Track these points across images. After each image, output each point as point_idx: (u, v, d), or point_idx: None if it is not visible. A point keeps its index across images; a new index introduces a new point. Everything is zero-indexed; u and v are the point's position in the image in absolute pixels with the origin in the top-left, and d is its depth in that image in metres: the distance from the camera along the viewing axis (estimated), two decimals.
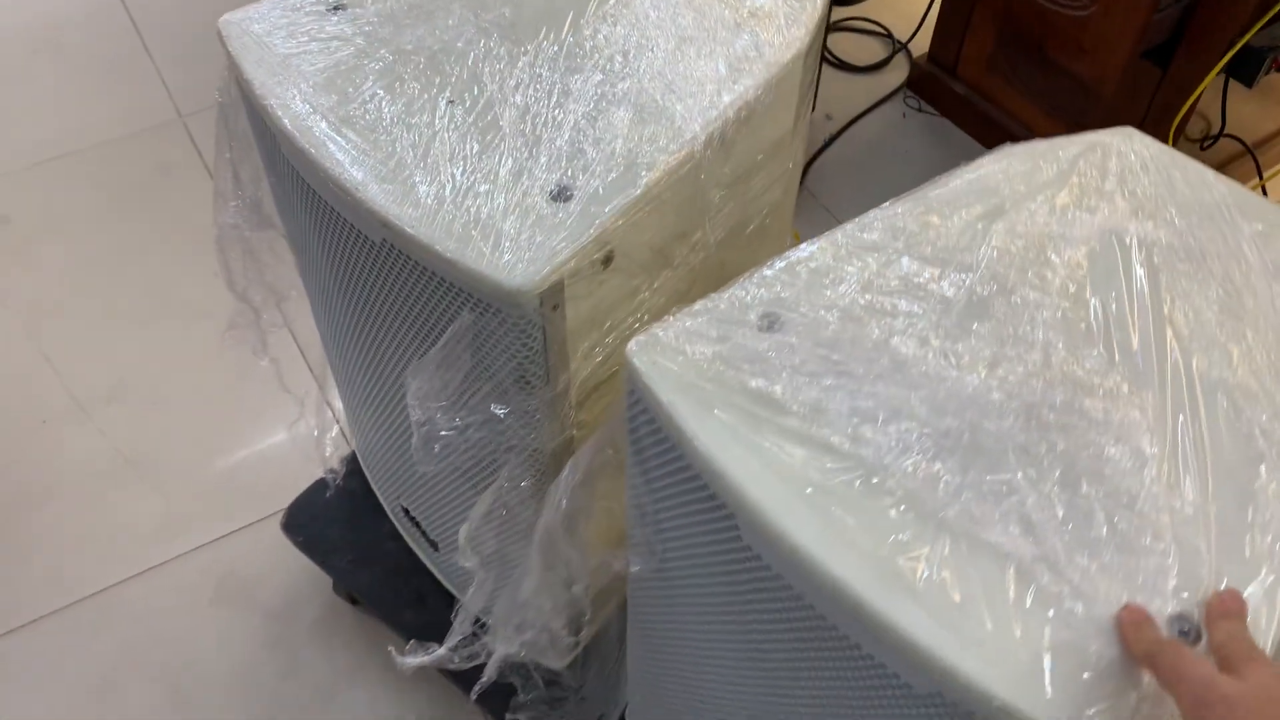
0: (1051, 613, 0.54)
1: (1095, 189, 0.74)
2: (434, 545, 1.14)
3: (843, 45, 2.13)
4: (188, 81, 1.99)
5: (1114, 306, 0.67)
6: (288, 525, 1.26)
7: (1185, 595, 0.55)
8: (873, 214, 0.72)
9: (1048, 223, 0.72)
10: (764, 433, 0.61)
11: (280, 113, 0.78)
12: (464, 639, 0.92)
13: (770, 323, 0.66)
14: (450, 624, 0.92)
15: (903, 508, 0.58)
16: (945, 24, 1.95)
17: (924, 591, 0.55)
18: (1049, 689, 0.52)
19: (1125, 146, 0.77)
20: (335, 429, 1.28)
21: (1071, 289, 0.68)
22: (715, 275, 0.85)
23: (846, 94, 2.01)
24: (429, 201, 0.73)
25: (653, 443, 0.67)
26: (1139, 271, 0.69)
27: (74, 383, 1.53)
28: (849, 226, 0.72)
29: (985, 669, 0.52)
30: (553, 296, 0.71)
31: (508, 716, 1.09)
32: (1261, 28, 1.48)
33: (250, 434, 1.47)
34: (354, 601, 1.31)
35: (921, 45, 2.06)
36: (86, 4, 2.13)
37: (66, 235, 1.72)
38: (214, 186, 0.93)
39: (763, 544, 0.60)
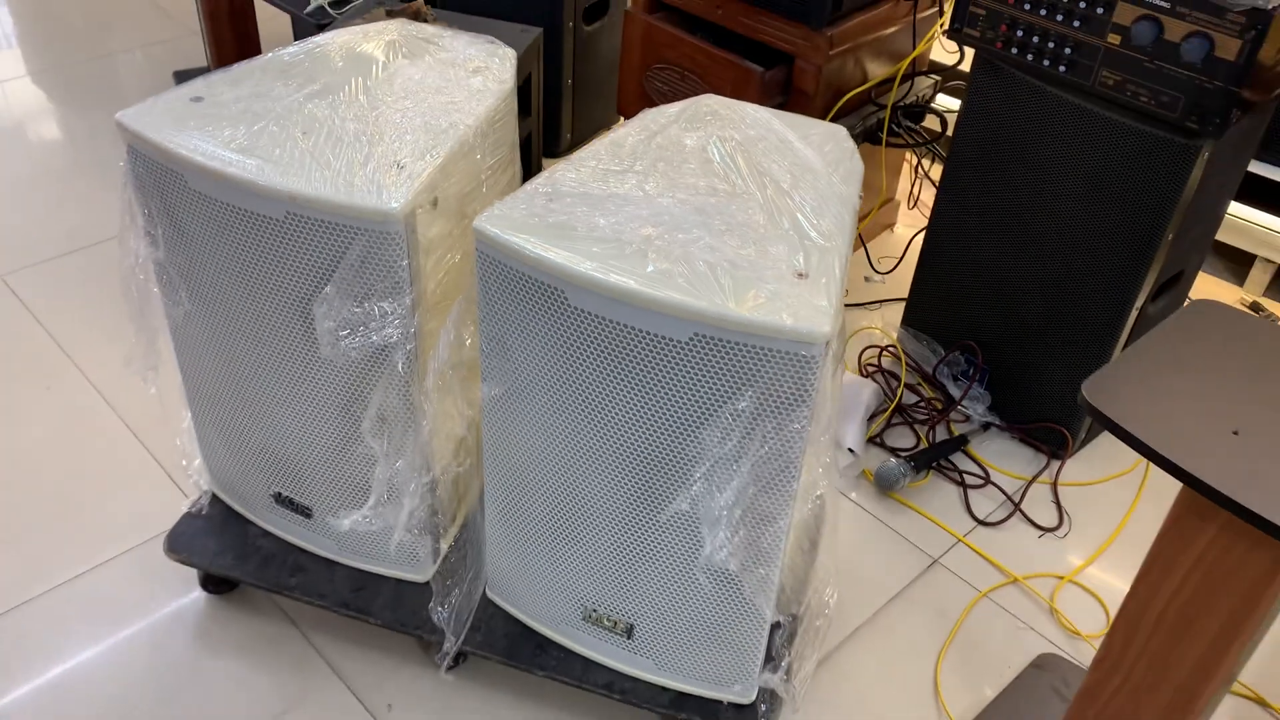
0: (738, 284, 1.05)
1: (704, 119, 1.31)
2: (307, 513, 1.46)
3: None
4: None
5: (721, 159, 1.22)
6: (171, 548, 1.51)
7: (797, 258, 1.08)
8: (587, 149, 1.24)
9: (680, 135, 1.27)
10: (568, 240, 1.08)
11: (188, 152, 1.17)
12: (368, 513, 1.28)
13: (549, 196, 1.15)
14: (332, 584, 1.27)
15: (645, 252, 1.07)
16: None
17: (677, 284, 1.04)
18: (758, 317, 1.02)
19: (714, 103, 1.35)
20: (198, 460, 1.55)
21: (696, 159, 1.23)
22: None
23: None
24: (320, 180, 1.15)
25: (497, 276, 1.12)
26: (725, 150, 1.25)
27: None
28: (580, 154, 1.23)
29: (726, 312, 1.02)
30: (410, 220, 1.15)
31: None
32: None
33: (106, 484, 1.68)
34: (218, 591, 1.57)
35: None
36: None
37: None
38: (119, 243, 1.27)
39: (584, 297, 1.06)
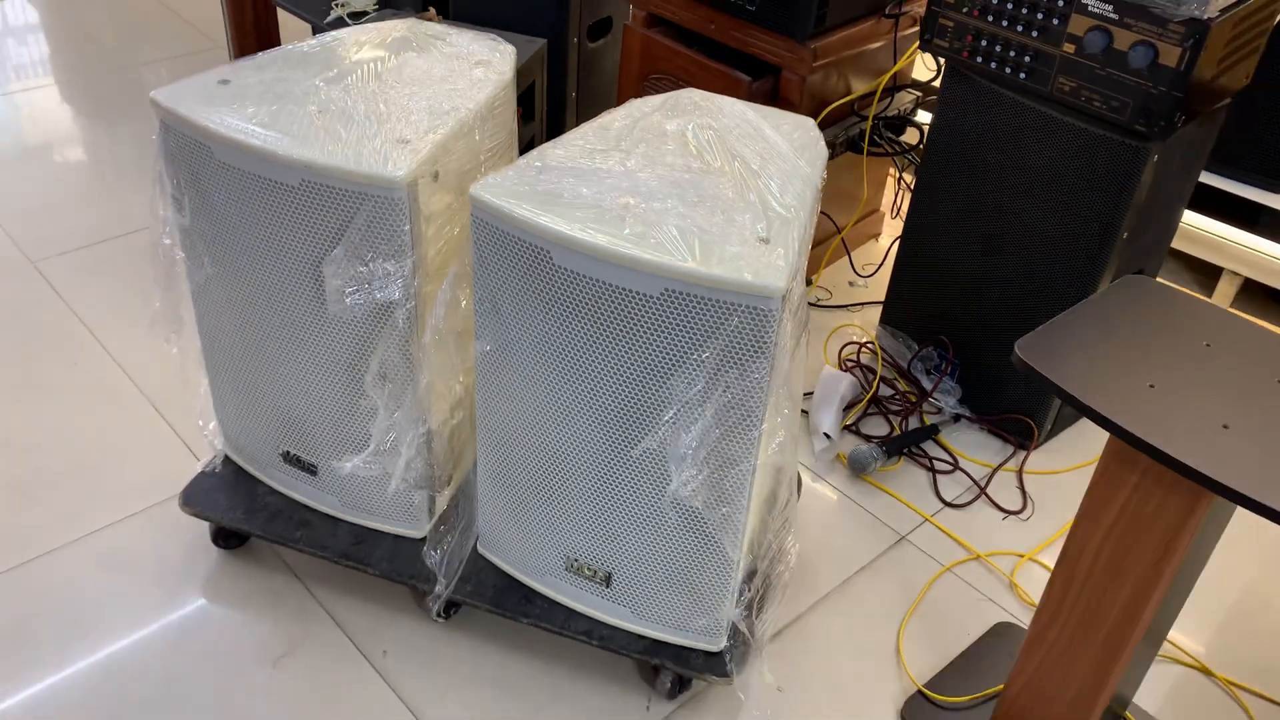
0: (705, 246, 1.17)
1: (686, 109, 1.43)
2: (313, 470, 1.58)
3: None
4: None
5: (697, 142, 1.34)
6: (186, 502, 1.62)
7: (760, 226, 1.20)
8: (575, 131, 1.37)
9: (661, 122, 1.39)
10: (554, 206, 1.20)
11: (216, 126, 1.30)
12: (370, 456, 1.39)
13: (539, 169, 1.27)
14: (334, 537, 1.39)
15: (624, 217, 1.19)
16: None
17: (650, 245, 1.16)
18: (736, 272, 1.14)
19: (695, 95, 1.48)
20: (213, 422, 1.67)
21: (674, 141, 1.35)
22: None
23: None
24: (332, 151, 1.27)
25: (490, 238, 1.23)
26: (702, 135, 1.37)
27: None
28: (570, 135, 1.35)
29: (693, 269, 1.14)
30: (413, 189, 1.27)
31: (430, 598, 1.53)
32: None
33: (126, 450, 1.79)
34: (228, 546, 1.68)
35: None
36: None
37: None
38: (149, 212, 1.40)
39: (568, 256, 1.18)
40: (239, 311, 1.46)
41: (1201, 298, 1.30)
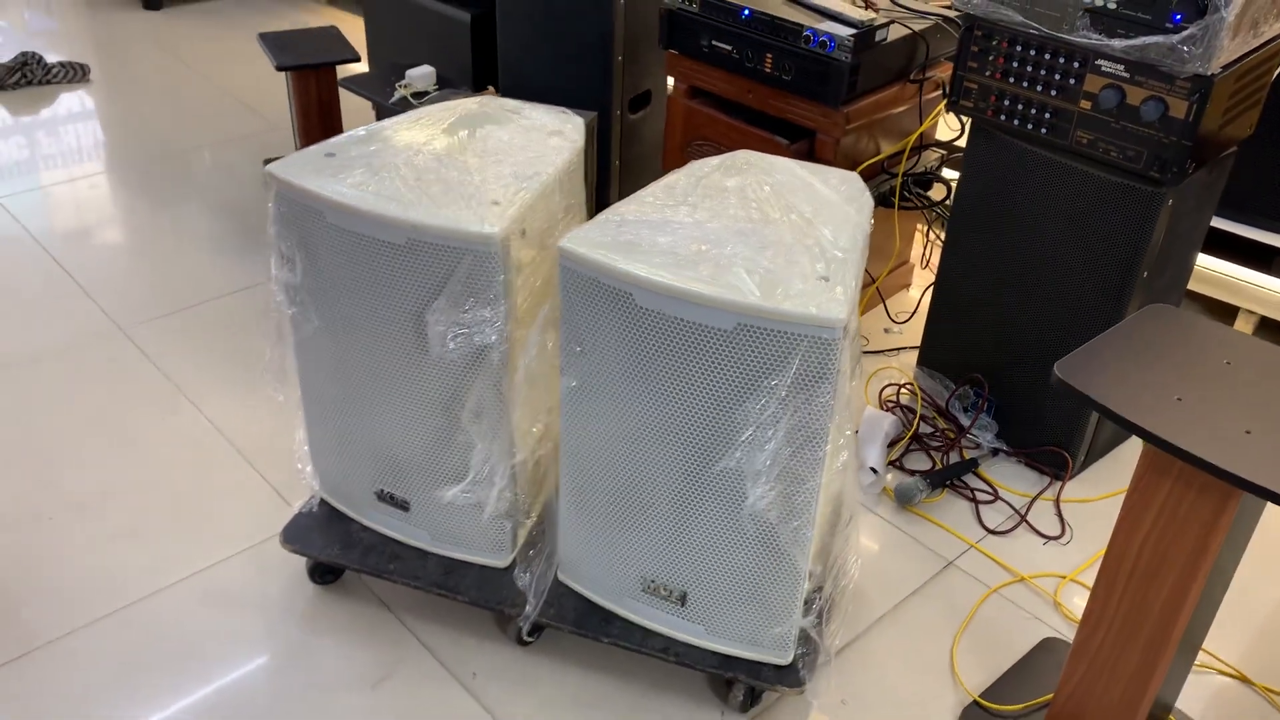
0: (771, 285, 1.31)
1: (741, 168, 1.59)
2: (405, 506, 1.71)
3: None
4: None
5: (755, 194, 1.50)
6: (287, 540, 1.76)
7: (819, 266, 1.35)
8: (644, 190, 1.53)
9: (721, 180, 1.55)
10: (635, 254, 1.35)
11: (329, 193, 1.47)
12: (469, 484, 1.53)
13: (618, 224, 1.42)
14: (425, 569, 1.53)
15: (697, 262, 1.34)
16: None
17: (723, 285, 1.30)
18: (810, 308, 1.28)
19: (749, 156, 1.64)
20: (309, 466, 1.81)
21: (735, 196, 1.50)
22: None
23: None
24: (434, 213, 1.43)
25: (577, 284, 1.38)
26: (759, 190, 1.53)
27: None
28: (640, 193, 1.51)
29: (763, 304, 1.28)
30: (506, 243, 1.43)
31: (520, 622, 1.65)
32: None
33: (221, 497, 1.93)
34: (323, 581, 1.81)
35: None
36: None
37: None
38: (272, 276, 1.56)
39: (648, 297, 1.33)
40: (342, 360, 1.61)
41: (1219, 324, 1.43)
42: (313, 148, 1.60)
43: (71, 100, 3.61)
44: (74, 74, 3.69)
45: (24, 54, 3.62)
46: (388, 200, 1.46)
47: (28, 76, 3.61)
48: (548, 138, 1.66)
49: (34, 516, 1.94)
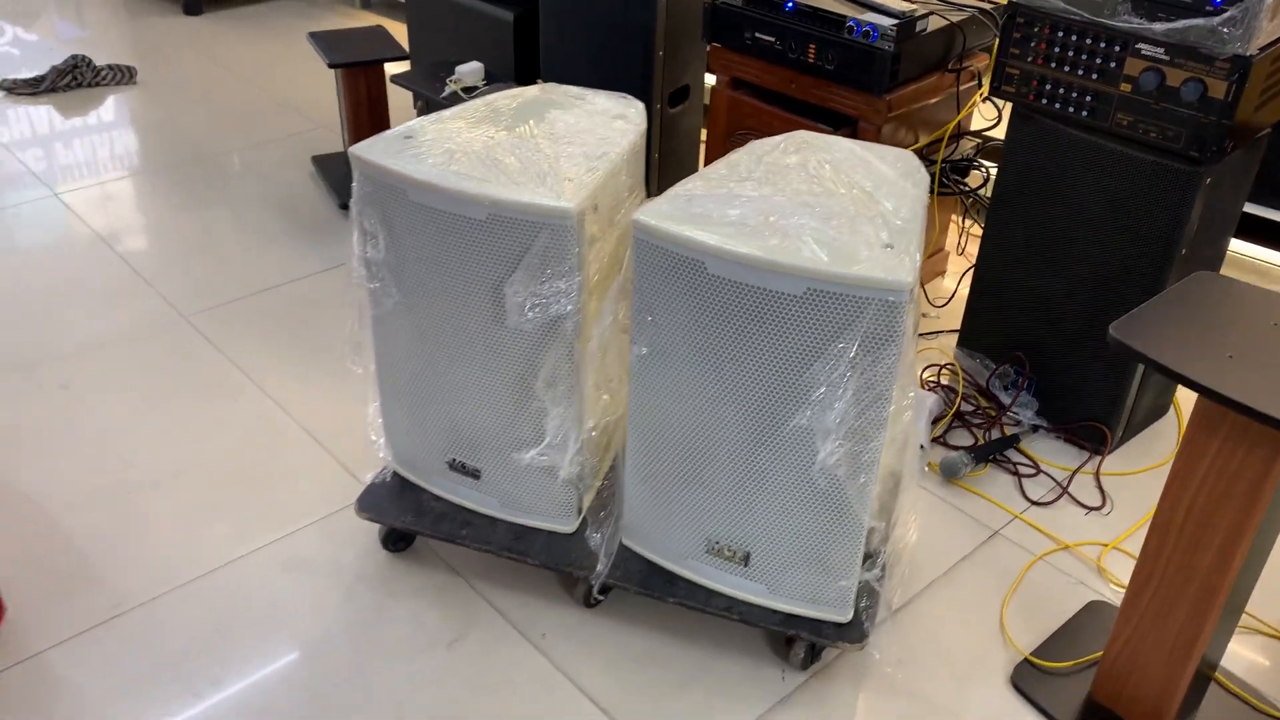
0: (838, 252, 1.39)
1: (799, 147, 1.67)
2: (477, 474, 1.79)
3: None
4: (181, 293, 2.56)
5: (816, 170, 1.57)
6: (361, 508, 1.84)
7: (883, 235, 1.42)
8: (709, 168, 1.60)
9: (781, 158, 1.63)
10: (706, 225, 1.43)
11: (411, 170, 1.55)
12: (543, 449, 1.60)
13: (688, 198, 1.50)
14: (495, 534, 1.60)
15: (766, 232, 1.41)
16: None
17: (793, 252, 1.38)
18: (876, 272, 1.36)
19: (806, 135, 1.71)
20: (383, 438, 1.89)
21: (797, 172, 1.58)
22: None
23: None
24: (512, 189, 1.51)
25: (650, 255, 1.46)
26: (820, 166, 1.60)
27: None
28: (704, 171, 1.59)
29: (833, 269, 1.35)
30: (580, 217, 1.51)
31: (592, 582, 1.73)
32: None
33: (291, 472, 2.01)
34: (395, 548, 1.89)
35: None
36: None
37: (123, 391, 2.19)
38: (353, 253, 1.64)
39: (720, 265, 1.40)
40: (420, 333, 1.69)
41: (1265, 289, 1.50)
42: (389, 132, 1.68)
43: (121, 101, 3.71)
44: (122, 76, 3.79)
45: (74, 57, 3.73)
46: (467, 178, 1.53)
47: (78, 78, 3.71)
48: (612, 121, 1.74)
49: (112, 494, 2.02)
